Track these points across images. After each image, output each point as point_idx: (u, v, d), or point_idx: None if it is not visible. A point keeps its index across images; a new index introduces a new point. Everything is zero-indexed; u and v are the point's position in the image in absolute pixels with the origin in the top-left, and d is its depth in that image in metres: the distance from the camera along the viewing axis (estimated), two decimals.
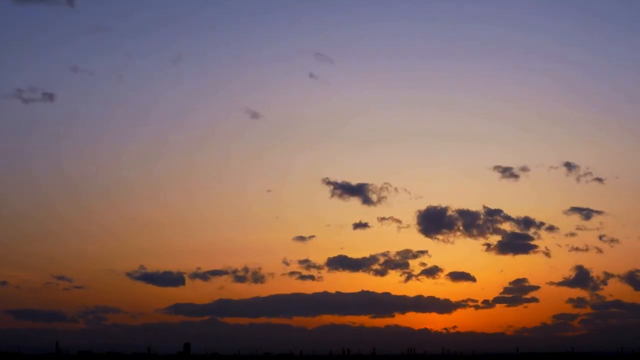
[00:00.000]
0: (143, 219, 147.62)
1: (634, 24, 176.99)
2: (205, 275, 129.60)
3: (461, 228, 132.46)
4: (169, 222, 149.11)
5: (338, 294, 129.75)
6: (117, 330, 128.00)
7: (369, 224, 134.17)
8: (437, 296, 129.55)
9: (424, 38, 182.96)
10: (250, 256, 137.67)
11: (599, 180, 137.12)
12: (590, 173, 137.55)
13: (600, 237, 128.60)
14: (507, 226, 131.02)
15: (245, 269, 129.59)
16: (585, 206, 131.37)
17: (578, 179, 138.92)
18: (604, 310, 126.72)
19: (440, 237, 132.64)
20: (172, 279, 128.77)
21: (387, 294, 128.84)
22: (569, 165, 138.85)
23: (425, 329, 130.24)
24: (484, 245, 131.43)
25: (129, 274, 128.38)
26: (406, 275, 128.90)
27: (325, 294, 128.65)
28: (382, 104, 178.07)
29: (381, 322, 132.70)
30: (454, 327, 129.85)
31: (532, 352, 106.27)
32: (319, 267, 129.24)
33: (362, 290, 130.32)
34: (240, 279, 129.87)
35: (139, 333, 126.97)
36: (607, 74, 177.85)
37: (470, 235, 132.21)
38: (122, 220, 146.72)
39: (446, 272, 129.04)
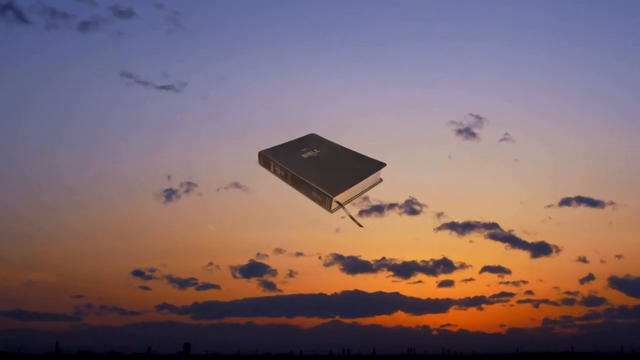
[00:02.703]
0: (142, 218, 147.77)
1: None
2: (208, 274, 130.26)
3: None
4: (169, 222, 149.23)
5: (334, 294, 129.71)
6: (117, 330, 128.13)
7: None
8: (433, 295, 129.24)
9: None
10: (245, 255, 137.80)
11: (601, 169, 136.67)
12: (590, 161, 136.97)
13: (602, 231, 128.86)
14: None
15: (236, 268, 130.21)
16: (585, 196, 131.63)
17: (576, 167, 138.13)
18: (603, 309, 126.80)
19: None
20: (173, 279, 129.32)
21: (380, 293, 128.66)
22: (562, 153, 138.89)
23: (423, 326, 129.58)
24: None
25: (129, 274, 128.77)
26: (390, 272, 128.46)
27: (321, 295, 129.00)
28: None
29: (381, 321, 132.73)
30: (451, 325, 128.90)
31: (532, 352, 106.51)
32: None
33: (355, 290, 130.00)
34: (236, 278, 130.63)
35: (139, 333, 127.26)
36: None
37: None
38: (122, 220, 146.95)
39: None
